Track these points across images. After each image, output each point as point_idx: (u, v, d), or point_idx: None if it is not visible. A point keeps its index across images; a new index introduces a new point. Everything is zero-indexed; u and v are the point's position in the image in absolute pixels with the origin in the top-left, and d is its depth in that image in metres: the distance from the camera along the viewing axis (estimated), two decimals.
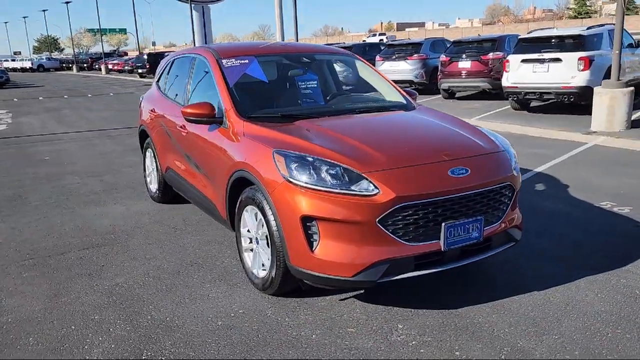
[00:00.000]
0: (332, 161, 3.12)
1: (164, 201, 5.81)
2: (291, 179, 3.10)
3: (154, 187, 5.90)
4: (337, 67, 5.00)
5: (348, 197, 2.99)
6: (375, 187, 2.98)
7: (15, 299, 3.69)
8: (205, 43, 39.59)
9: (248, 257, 3.75)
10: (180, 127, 4.63)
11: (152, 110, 5.49)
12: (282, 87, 4.57)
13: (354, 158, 3.15)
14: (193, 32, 33.21)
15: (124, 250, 4.53)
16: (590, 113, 10.24)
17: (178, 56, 5.47)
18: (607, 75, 11.07)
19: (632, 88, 9.32)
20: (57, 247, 4.67)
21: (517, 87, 11.53)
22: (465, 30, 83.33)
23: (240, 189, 3.69)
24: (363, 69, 4.95)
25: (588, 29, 11.43)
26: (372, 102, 4.47)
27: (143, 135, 5.98)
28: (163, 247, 4.56)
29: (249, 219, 3.63)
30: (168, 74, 5.54)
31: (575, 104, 11.10)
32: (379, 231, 2.99)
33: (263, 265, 3.54)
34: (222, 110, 3.98)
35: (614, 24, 12.65)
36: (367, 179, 3.01)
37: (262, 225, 3.45)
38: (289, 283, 3.38)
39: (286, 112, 3.96)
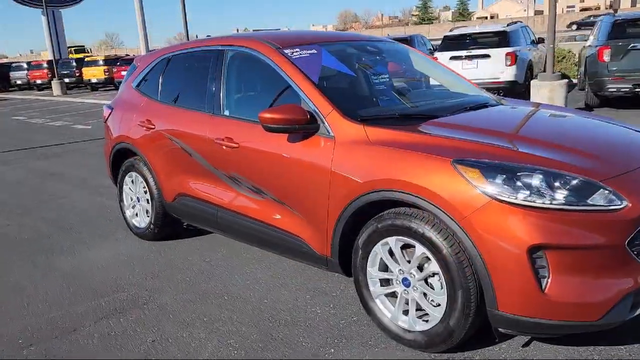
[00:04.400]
0: (549, 168, 2.38)
1: (159, 238, 4.55)
2: (502, 197, 2.30)
3: (143, 221, 4.59)
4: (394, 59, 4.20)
5: (587, 215, 2.28)
6: (620, 199, 2.30)
7: None
8: (59, 51, 35.69)
9: (383, 305, 2.84)
10: (221, 140, 3.52)
11: (145, 122, 4.22)
12: (355, 82, 3.67)
13: (569, 162, 2.45)
14: (52, 38, 29.70)
15: (164, 315, 3.31)
16: None
17: (178, 52, 4.26)
18: (528, 70, 11.58)
19: (567, 80, 9.72)
20: (56, 321, 3.29)
21: None
22: None
23: (366, 216, 2.80)
24: (419, 61, 4.22)
25: (508, 25, 11.84)
26: (461, 97, 3.76)
27: (121, 155, 4.63)
28: (216, 304, 3.42)
29: (386, 254, 2.74)
30: (162, 75, 4.30)
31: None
32: (625, 255, 2.31)
33: (425, 316, 2.67)
34: (313, 113, 3.02)
35: (520, 21, 13.38)
36: (604, 188, 2.32)
37: (426, 263, 2.60)
38: (469, 334, 2.57)
39: (402, 111, 3.10)
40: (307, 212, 3.10)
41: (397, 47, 4.18)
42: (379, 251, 2.76)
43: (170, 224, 4.46)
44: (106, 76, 26.48)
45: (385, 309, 2.83)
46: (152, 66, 4.46)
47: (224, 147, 3.52)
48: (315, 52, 3.44)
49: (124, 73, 24.18)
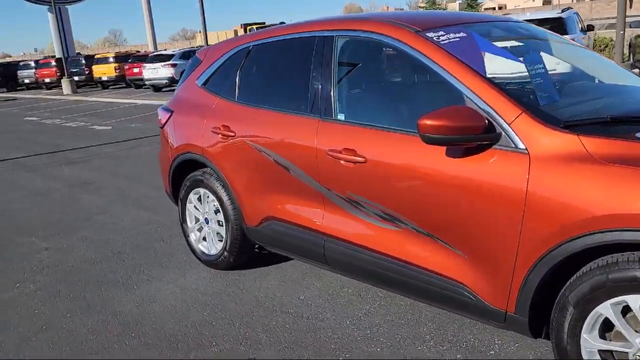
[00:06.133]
0: None
1: (233, 267, 3.78)
2: None
3: (213, 246, 3.82)
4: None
5: None
6: None
7: None
8: (66, 48, 34.89)
9: None
10: (337, 152, 2.72)
11: (220, 128, 3.43)
12: (522, 75, 2.85)
13: None
14: (60, 36, 29.05)
15: None
16: None
17: (261, 41, 3.44)
18: None
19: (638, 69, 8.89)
20: None
21: None
22: None
23: (572, 260, 2.01)
24: (561, 46, 3.38)
25: (563, 11, 10.98)
26: None
27: (187, 167, 3.85)
28: None
29: (619, 317, 1.95)
30: (239, 70, 3.50)
31: None
32: None
33: None
34: (489, 118, 2.22)
35: (570, 7, 12.54)
36: None
37: None
38: None
39: (615, 113, 2.28)
40: (475, 251, 2.31)
41: (536, 29, 3.36)
42: (605, 312, 1.97)
43: (249, 250, 3.69)
44: (117, 74, 25.67)
45: None
46: (224, 60, 3.65)
47: (341, 161, 2.72)
48: (465, 35, 2.63)
49: (135, 70, 23.61)
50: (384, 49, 2.71)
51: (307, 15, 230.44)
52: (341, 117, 2.83)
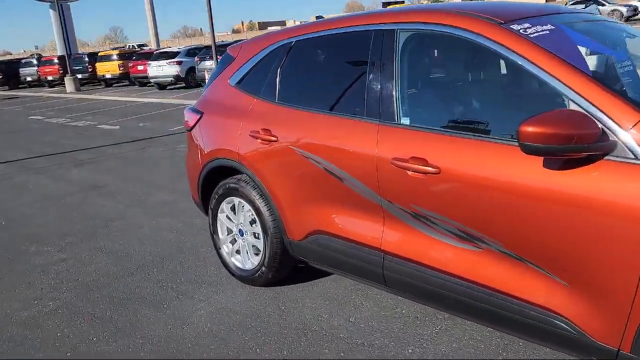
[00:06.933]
0: None
1: (271, 283, 3.46)
2: None
3: (248, 260, 3.50)
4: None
5: None
6: None
7: None
8: (68, 46, 34.50)
9: None
10: (403, 162, 2.40)
11: (259, 132, 3.11)
12: (615, 73, 2.53)
13: None
14: (63, 33, 28.76)
15: None
16: None
17: (305, 36, 3.10)
18: None
19: None
20: None
21: None
22: None
23: None
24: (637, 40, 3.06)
25: (586, 6, 10.63)
26: None
27: (218, 174, 3.53)
28: None
29: None
30: (280, 69, 3.17)
31: None
32: None
33: None
34: (599, 125, 1.89)
35: (591, 1, 12.20)
36: None
37: None
38: None
39: None
40: (579, 279, 1.98)
41: (616, 23, 3.03)
42: None
43: (290, 265, 3.37)
44: (121, 71, 25.29)
45: None
46: (261, 56, 3.32)
47: (409, 172, 2.39)
48: (554, 27, 2.30)
49: (140, 68, 23.21)
50: (457, 43, 2.38)
51: (307, 13, 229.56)
52: (405, 121, 2.50)
